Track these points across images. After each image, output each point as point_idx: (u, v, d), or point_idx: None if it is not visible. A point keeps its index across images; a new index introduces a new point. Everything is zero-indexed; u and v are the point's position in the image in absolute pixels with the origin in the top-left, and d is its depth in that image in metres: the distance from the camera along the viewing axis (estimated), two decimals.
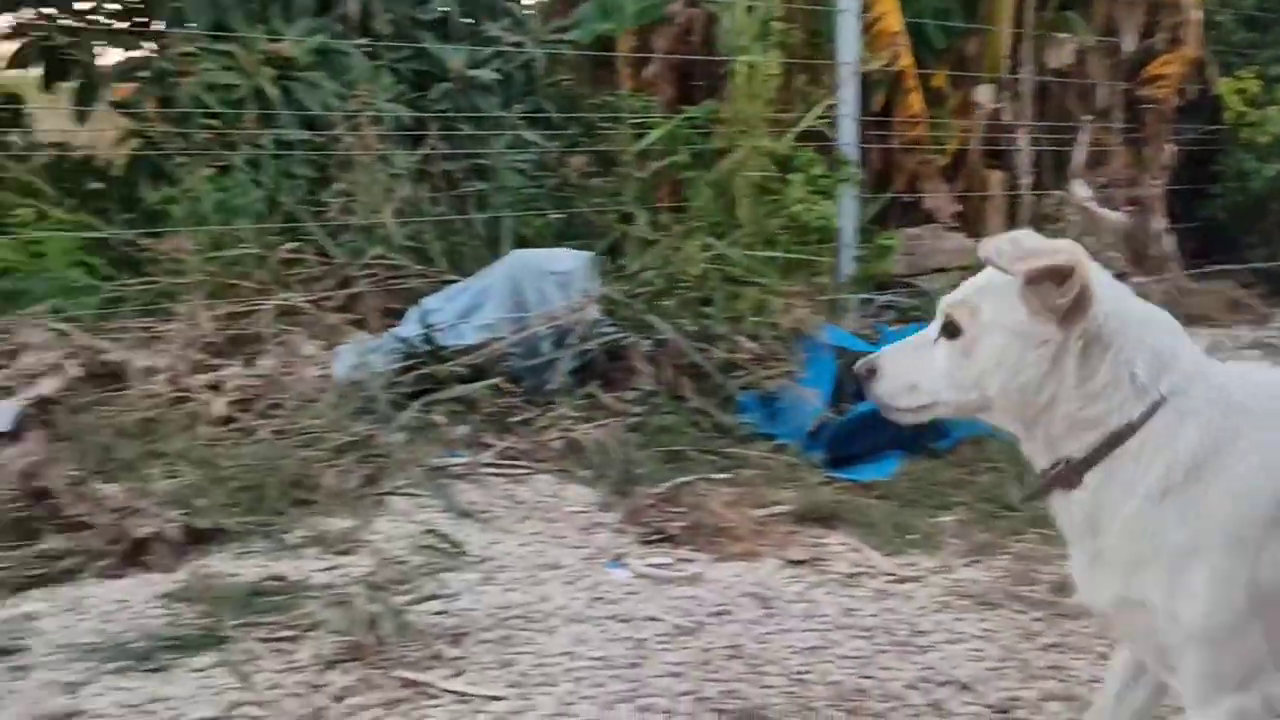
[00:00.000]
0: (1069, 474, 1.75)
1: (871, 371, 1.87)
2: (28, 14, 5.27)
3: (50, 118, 5.67)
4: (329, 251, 4.88)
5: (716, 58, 6.15)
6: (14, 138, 5.43)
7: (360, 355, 4.25)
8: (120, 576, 3.08)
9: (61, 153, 5.55)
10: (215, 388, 4.09)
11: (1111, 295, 1.74)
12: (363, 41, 5.71)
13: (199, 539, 3.26)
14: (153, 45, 5.20)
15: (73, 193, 5.15)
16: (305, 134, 5.31)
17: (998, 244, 1.74)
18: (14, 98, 5.55)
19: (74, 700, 2.48)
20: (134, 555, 3.13)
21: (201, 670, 2.62)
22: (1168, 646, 1.72)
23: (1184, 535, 1.66)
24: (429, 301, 4.35)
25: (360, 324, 4.71)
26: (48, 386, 4.07)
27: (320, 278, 4.81)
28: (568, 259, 4.44)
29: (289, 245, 4.82)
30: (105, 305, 4.52)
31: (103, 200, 5.12)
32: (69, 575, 3.09)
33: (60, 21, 5.18)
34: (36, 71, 5.41)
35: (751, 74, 5.43)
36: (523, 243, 5.22)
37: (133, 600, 2.95)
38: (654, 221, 5.15)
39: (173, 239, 4.74)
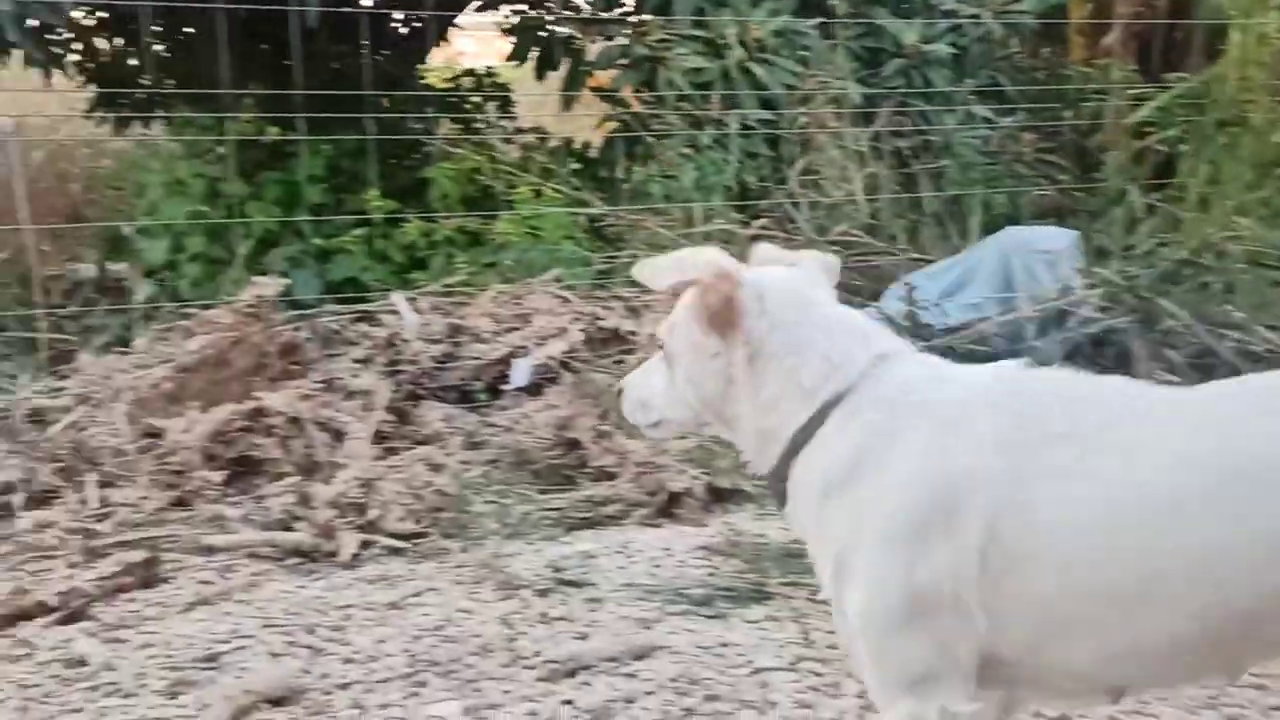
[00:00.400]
0: (772, 489, 1.73)
1: (619, 391, 1.89)
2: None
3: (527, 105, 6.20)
4: (796, 228, 4.98)
5: (1193, 22, 5.66)
6: (503, 124, 6.01)
7: None
8: (657, 526, 3.32)
9: (541, 136, 6.07)
10: None
11: (777, 304, 1.67)
12: (821, 20, 5.78)
13: (719, 497, 3.45)
14: (629, 33, 5.54)
15: (554, 174, 5.60)
16: (766, 114, 5.46)
17: (655, 260, 1.74)
18: (503, 87, 6.15)
19: (650, 635, 2.69)
20: (667, 507, 3.36)
21: (754, 622, 2.76)
22: (850, 645, 1.67)
23: (845, 531, 1.61)
24: (914, 277, 4.33)
25: None
26: (556, 347, 4.46)
27: None
28: (1057, 237, 4.27)
29: (758, 222, 4.97)
30: (597, 275, 4.88)
31: (581, 180, 5.53)
32: (612, 520, 3.37)
33: (551, 15, 5.62)
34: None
35: (1252, 39, 4.93)
36: (987, 222, 5.08)
37: (674, 549, 3.16)
38: (1146, 201, 4.82)
39: (645, 215, 5.05)
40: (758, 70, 5.51)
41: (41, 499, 3.43)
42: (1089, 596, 1.55)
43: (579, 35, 5.45)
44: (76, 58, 6.69)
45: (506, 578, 3.00)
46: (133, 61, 6.95)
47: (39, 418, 3.99)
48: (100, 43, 6.86)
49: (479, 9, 6.27)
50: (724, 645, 2.64)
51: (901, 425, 1.61)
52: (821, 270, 1.80)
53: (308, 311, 4.65)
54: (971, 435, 1.57)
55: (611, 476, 3.58)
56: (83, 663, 2.59)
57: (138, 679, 2.54)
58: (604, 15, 5.44)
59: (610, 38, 5.64)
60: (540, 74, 5.77)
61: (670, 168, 5.12)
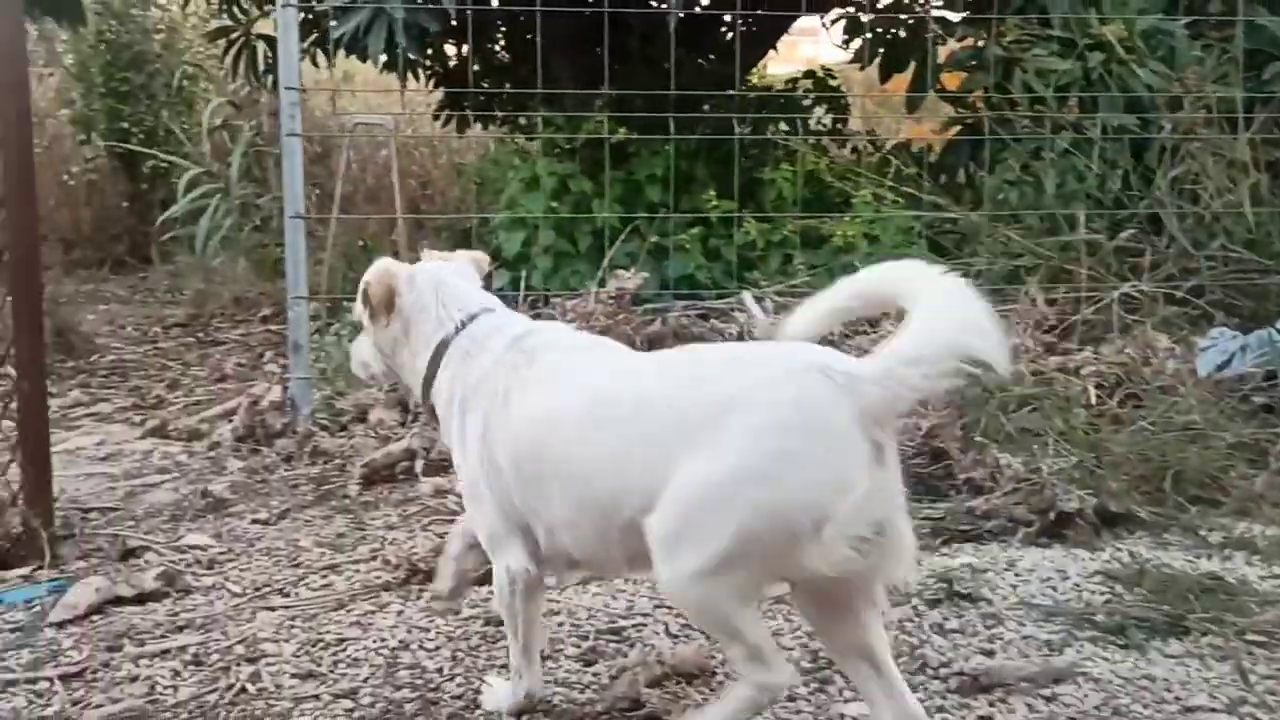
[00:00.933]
0: (428, 413, 2.47)
1: (348, 355, 2.70)
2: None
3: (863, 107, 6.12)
4: (1167, 240, 4.66)
5: None
6: (839, 126, 5.96)
7: (1224, 353, 3.98)
8: (1046, 546, 3.16)
9: (876, 138, 5.99)
10: (1071, 371, 4.08)
11: (420, 287, 2.37)
12: (1190, 19, 5.39)
13: (1110, 521, 3.25)
14: (983, 34, 5.36)
15: (894, 177, 5.50)
16: (1129, 118, 5.14)
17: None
18: (837, 90, 6.11)
19: (1064, 659, 2.56)
20: (1054, 527, 3.20)
21: (1175, 656, 2.57)
22: None
23: (450, 414, 2.30)
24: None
25: (1203, 318, 4.44)
26: None
27: (1155, 266, 4.61)
28: None
29: (1124, 234, 4.68)
30: None
31: (919, 185, 5.41)
32: (993, 535, 3.25)
33: (904, 16, 5.52)
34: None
35: None
36: None
37: (1068, 571, 3.00)
38: None
39: (1001, 222, 4.87)
40: (1126, 73, 5.19)
41: (439, 466, 3.69)
42: (523, 479, 2.15)
43: (940, 34, 5.32)
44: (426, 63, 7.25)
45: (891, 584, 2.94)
46: (476, 67, 7.47)
47: None
48: (448, 49, 7.40)
49: (815, 11, 6.27)
50: (1147, 678, 2.47)
51: (468, 357, 2.29)
52: (470, 263, 2.50)
53: (655, 306, 4.79)
54: (488, 361, 2.25)
55: (982, 490, 3.46)
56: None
57: (554, 644, 2.66)
58: (957, 15, 5.28)
59: (961, 39, 5.48)
60: (885, 76, 5.69)
61: (1025, 174, 4.91)
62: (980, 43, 5.37)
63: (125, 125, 8.35)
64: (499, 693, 2.39)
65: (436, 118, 7.62)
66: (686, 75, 6.25)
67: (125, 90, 8.31)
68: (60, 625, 2.82)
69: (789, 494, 1.81)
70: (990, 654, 2.61)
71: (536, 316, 4.70)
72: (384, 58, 5.63)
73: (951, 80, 5.66)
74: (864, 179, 5.26)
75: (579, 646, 2.66)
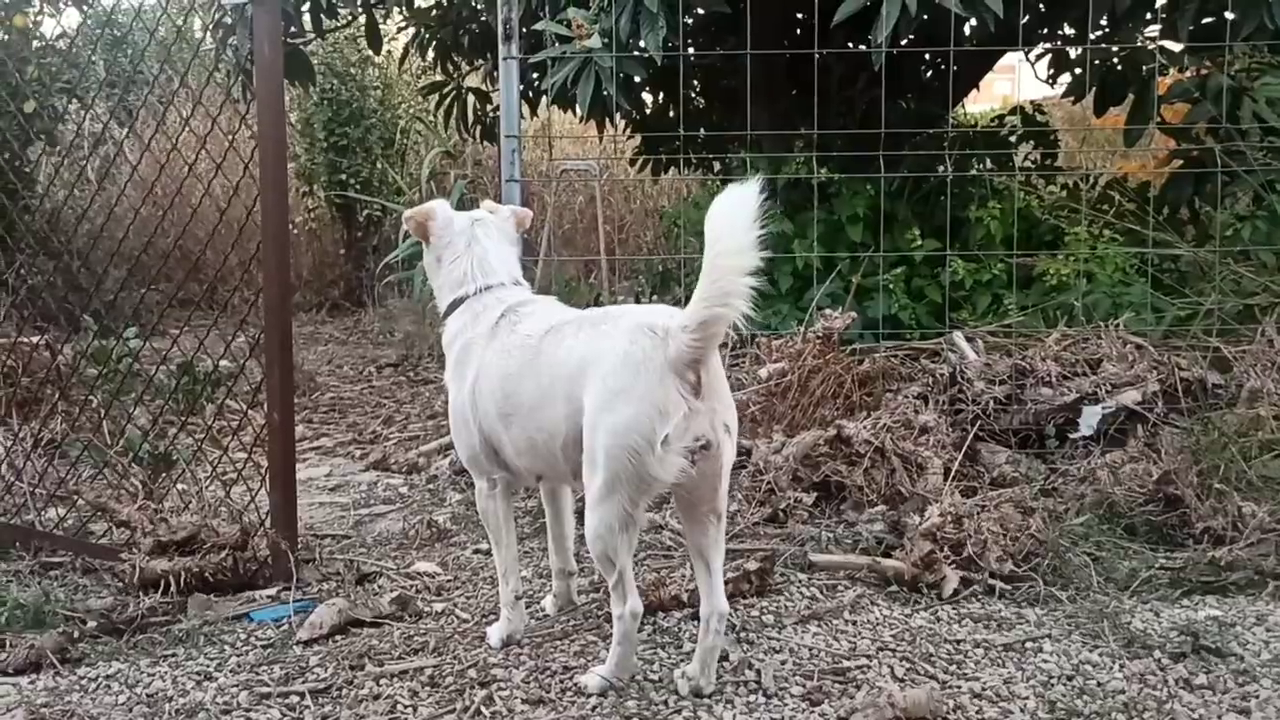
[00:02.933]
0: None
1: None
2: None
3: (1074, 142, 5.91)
4: None
5: None
6: (1048, 162, 5.77)
7: None
8: None
9: (1085, 173, 5.77)
10: None
11: (453, 233, 2.96)
12: None
13: None
14: (1207, 63, 5.10)
15: (1109, 214, 5.28)
16: None
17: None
18: (1044, 125, 5.92)
19: None
20: None
21: None
22: None
23: (452, 355, 2.94)
24: None
25: None
26: (1129, 396, 4.16)
27: None
28: None
29: None
30: (1172, 321, 4.51)
31: (1139, 221, 5.17)
32: (1238, 588, 3.05)
33: (1120, 47, 5.33)
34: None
35: None
36: None
37: None
38: None
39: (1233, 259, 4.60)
40: None
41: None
42: (497, 416, 2.75)
43: (1163, 64, 5.10)
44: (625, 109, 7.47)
45: (1130, 635, 2.80)
46: (671, 114, 7.63)
47: None
48: (644, 95, 7.60)
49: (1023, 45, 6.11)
50: None
51: (473, 322, 2.86)
52: (510, 217, 3.07)
53: (861, 346, 4.74)
54: (484, 326, 2.83)
55: (1223, 540, 3.25)
56: (725, 658, 2.75)
57: (778, 682, 2.65)
58: (1179, 45, 5.05)
59: (1184, 68, 5.23)
60: (1101, 110, 5.49)
61: (1257, 208, 4.62)
62: (1204, 72, 5.12)
63: (344, 177, 8.91)
64: (492, 631, 2.95)
65: (633, 162, 7.82)
66: (887, 115, 6.22)
67: (344, 144, 8.88)
68: (307, 643, 3.00)
69: (625, 419, 2.41)
70: (1245, 712, 2.44)
71: (739, 355, 4.77)
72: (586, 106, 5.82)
73: (1173, 112, 5.40)
74: (1078, 215, 5.05)
75: (804, 686, 2.64)
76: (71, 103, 7.82)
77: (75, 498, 3.89)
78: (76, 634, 3.01)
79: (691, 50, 5.40)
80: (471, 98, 7.49)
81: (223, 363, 6.65)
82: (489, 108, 7.56)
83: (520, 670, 2.79)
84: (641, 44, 5.10)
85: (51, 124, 7.59)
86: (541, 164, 8.61)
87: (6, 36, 7.32)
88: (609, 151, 8.09)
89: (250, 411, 5.88)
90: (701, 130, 7.20)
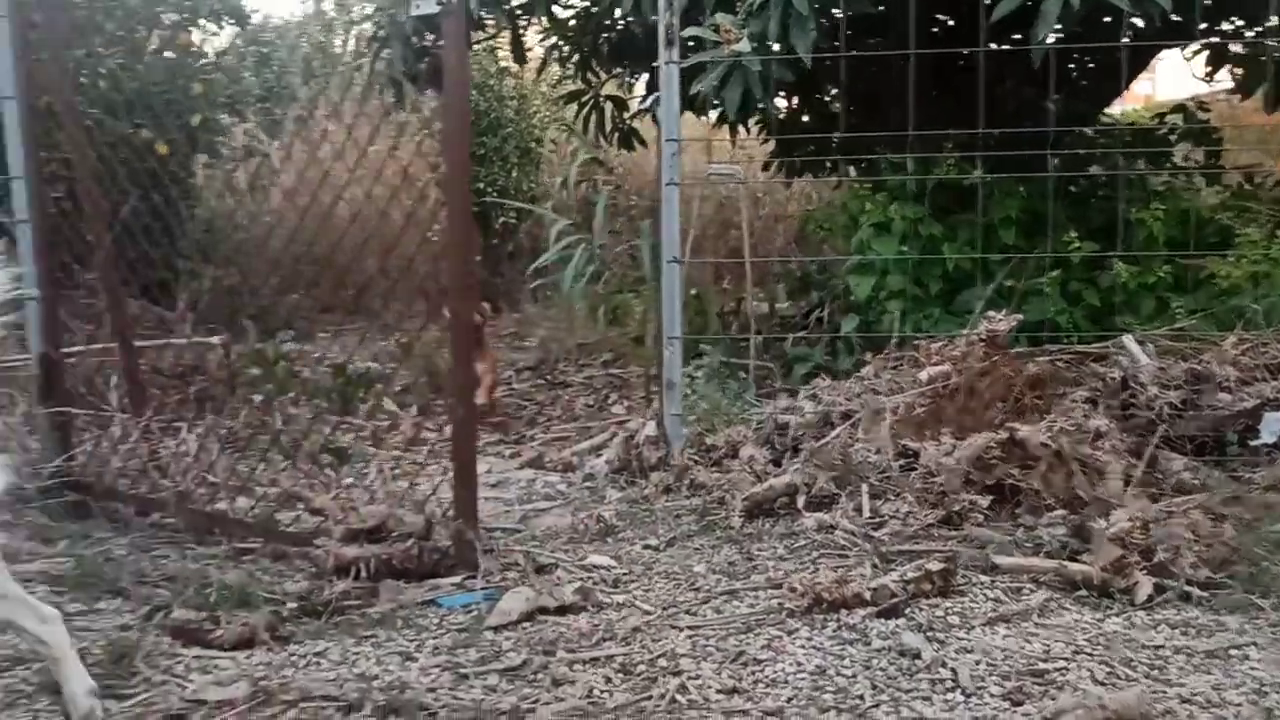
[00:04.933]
0: None
1: None
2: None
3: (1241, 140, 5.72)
4: None
5: None
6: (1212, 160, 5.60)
7: None
8: None
9: (1252, 172, 5.57)
10: None
11: None
12: None
13: None
14: None
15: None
16: None
17: None
18: (1206, 124, 5.74)
19: None
20: None
21: None
22: None
23: None
24: None
25: None
26: None
27: None
28: None
29: None
30: None
31: None
32: None
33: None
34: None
35: None
36: None
37: None
38: None
39: None
40: None
41: (820, 503, 3.76)
42: None
43: None
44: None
45: None
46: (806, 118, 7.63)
47: (782, 431, 4.43)
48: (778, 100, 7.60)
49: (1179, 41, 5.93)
50: None
51: None
52: None
53: (1021, 350, 4.66)
54: None
55: None
56: (916, 656, 2.75)
57: (975, 680, 2.63)
58: None
59: None
60: (1275, 106, 5.29)
61: None
62: None
63: (480, 185, 9.13)
64: None
65: (765, 167, 7.83)
66: (1037, 115, 6.09)
67: (482, 153, 9.11)
68: (497, 629, 3.09)
69: None
70: None
71: (899, 359, 4.75)
72: (715, 113, 5.86)
73: None
74: (1250, 216, 4.89)
75: (1002, 686, 2.61)
76: (230, 116, 8.19)
77: (269, 488, 4.08)
78: (285, 613, 3.16)
79: (832, 53, 5.37)
80: (609, 105, 7.60)
81: (373, 364, 6.91)
82: (625, 115, 7.67)
83: (709, 661, 2.83)
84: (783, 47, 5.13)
85: (212, 137, 7.98)
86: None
87: (174, 55, 7.71)
88: (736, 157, 8.13)
89: (402, 411, 6.13)
90: (835, 134, 7.18)
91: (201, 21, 7.79)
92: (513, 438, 5.91)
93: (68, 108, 4.50)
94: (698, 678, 2.74)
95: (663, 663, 2.83)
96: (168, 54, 7.67)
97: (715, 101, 5.63)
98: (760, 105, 5.48)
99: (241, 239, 7.68)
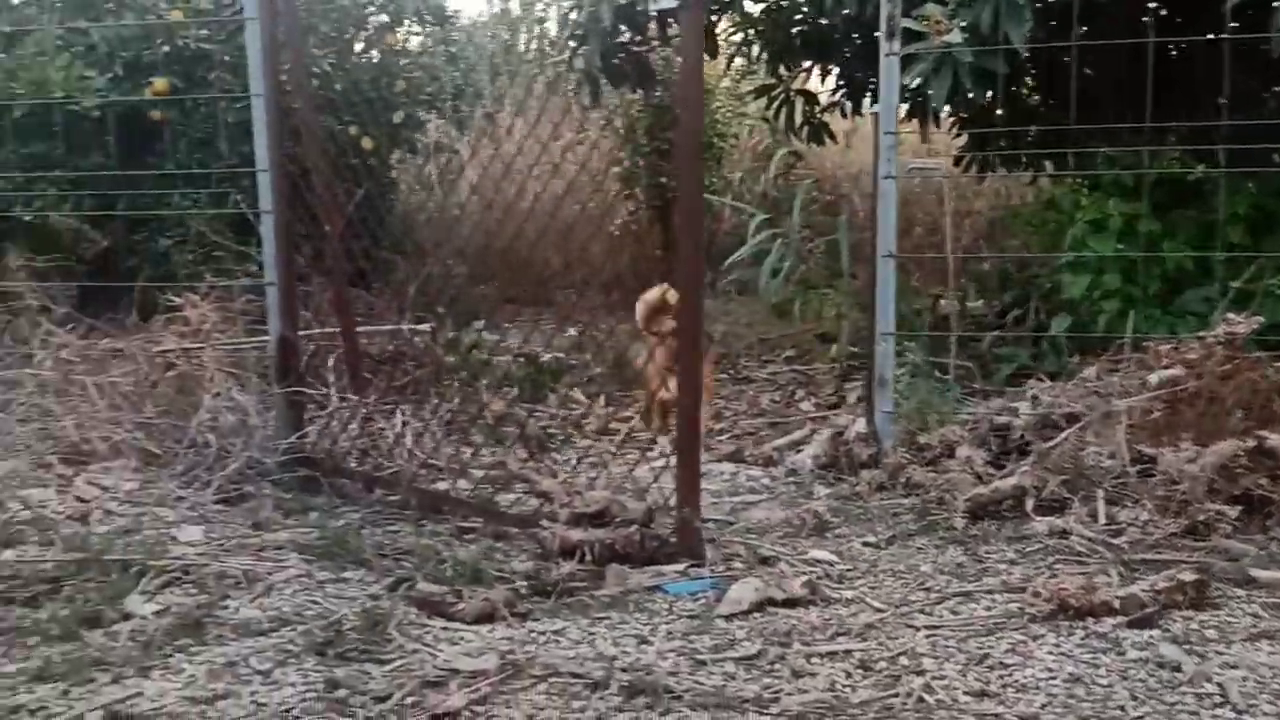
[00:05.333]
0: None
1: None
2: None
3: None
4: None
5: None
6: None
7: None
8: None
9: None
10: None
11: None
12: None
13: None
14: None
15: None
16: None
17: None
18: None
19: None
20: None
21: None
22: None
23: None
24: None
25: None
26: None
27: None
28: None
29: None
30: None
31: None
32: None
33: None
34: None
35: None
36: None
37: None
38: None
39: None
40: None
41: (1051, 506, 3.65)
42: None
43: None
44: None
45: None
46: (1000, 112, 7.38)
47: (999, 432, 4.32)
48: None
49: None
50: None
51: None
52: None
53: (1262, 354, 4.41)
54: None
55: None
56: (1177, 669, 2.64)
57: (1245, 698, 2.51)
58: None
59: None
60: None
61: None
62: None
63: (663, 180, 9.21)
64: None
65: (956, 162, 7.63)
66: (1264, 107, 5.76)
67: (665, 148, 9.18)
68: (728, 618, 3.12)
69: None
70: None
71: (1117, 360, 4.56)
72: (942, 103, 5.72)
73: None
74: None
75: (1275, 705, 2.48)
76: (428, 113, 8.49)
77: (492, 470, 4.23)
78: (523, 590, 3.26)
79: (1058, 43, 5.19)
80: (800, 100, 7.55)
81: (559, 354, 7.06)
82: (817, 109, 7.60)
83: (952, 663, 2.78)
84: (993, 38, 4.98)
85: (411, 133, 8.30)
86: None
87: (379, 55, 8.05)
88: (920, 152, 7.96)
89: (591, 401, 6.25)
90: (1032, 127, 6.93)
91: (406, 22, 8.11)
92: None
93: (306, 105, 4.76)
94: (942, 678, 2.70)
95: (904, 661, 2.80)
96: (373, 54, 8.02)
97: (923, 95, 5.55)
98: (970, 97, 5.35)
99: (443, 231, 7.96)
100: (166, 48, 7.07)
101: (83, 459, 4.55)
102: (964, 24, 5.30)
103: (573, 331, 7.41)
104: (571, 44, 7.05)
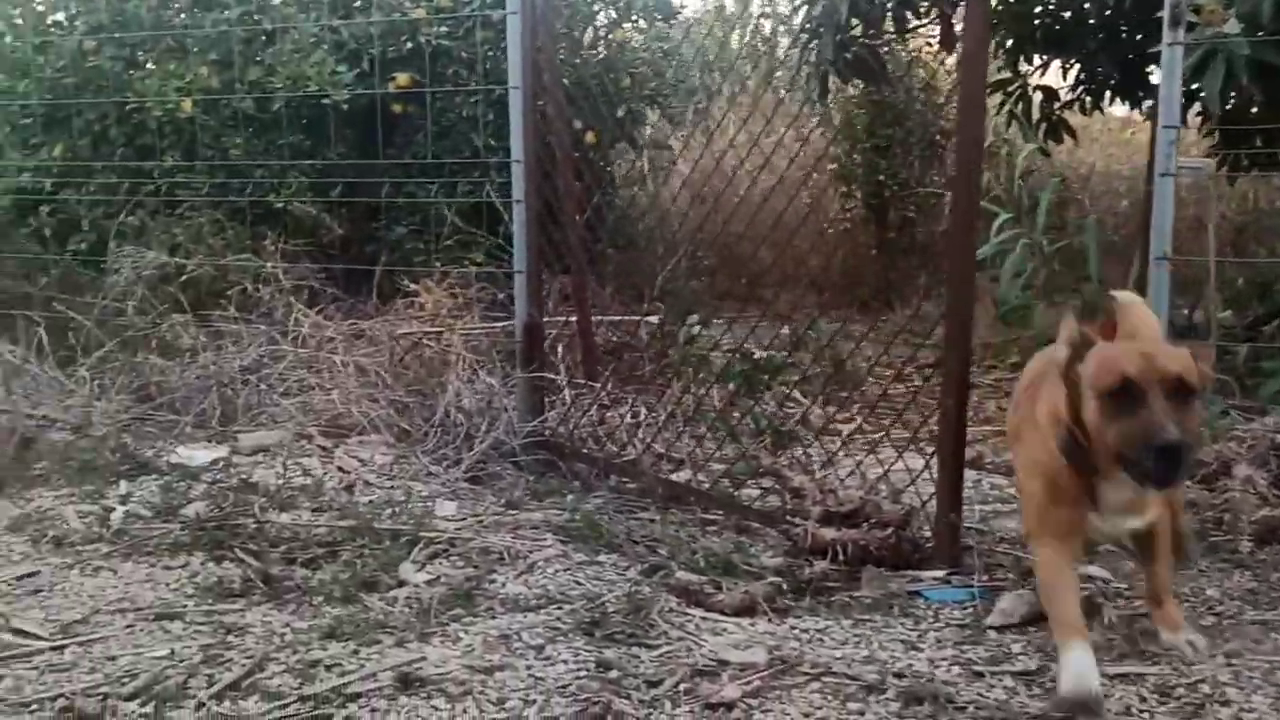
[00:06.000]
0: None
1: None
2: None
3: None
4: None
5: None
6: None
7: None
8: None
9: None
10: None
11: None
12: None
13: None
14: None
15: None
16: None
17: None
18: None
19: None
20: None
21: None
22: None
23: None
24: None
25: None
26: None
27: None
28: None
29: None
30: None
31: None
32: None
33: None
34: None
35: None
36: None
37: None
38: None
39: None
40: None
41: None
42: None
43: None
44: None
45: None
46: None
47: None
48: None
49: None
50: None
51: None
52: None
53: None
54: None
55: None
56: None
57: None
58: None
59: None
60: None
61: None
62: None
63: (880, 177, 9.02)
64: None
65: (1222, 164, 7.13)
66: None
67: (885, 145, 8.99)
68: (1000, 629, 2.99)
69: None
70: None
71: None
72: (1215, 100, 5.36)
73: None
74: None
75: None
76: (652, 108, 8.58)
77: (739, 463, 4.21)
78: (785, 585, 3.23)
79: None
80: (1038, 95, 7.24)
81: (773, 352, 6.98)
82: (1055, 105, 7.28)
83: (1260, 695, 2.58)
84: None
85: (633, 128, 8.41)
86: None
87: (605, 51, 8.18)
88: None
89: (807, 400, 6.15)
90: None
91: (634, 17, 8.21)
92: (922, 437, 5.76)
93: (557, 99, 4.87)
94: (1251, 710, 2.51)
95: (1204, 689, 2.61)
96: (600, 49, 8.15)
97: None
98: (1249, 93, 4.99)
99: (668, 225, 8.06)
100: (410, 44, 7.39)
101: (341, 432, 4.79)
102: (1241, 13, 4.97)
103: (785, 330, 7.36)
104: (804, 38, 6.97)
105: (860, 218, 9.49)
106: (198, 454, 4.37)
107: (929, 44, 8.41)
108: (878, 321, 9.14)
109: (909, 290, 9.05)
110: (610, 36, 8.08)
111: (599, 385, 4.92)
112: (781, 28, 10.83)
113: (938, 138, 9.06)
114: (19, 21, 7.54)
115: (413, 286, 5.80)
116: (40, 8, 7.68)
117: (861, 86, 8.08)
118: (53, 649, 2.85)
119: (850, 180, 9.33)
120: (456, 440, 4.58)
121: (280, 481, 4.11)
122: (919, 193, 8.99)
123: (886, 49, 7.38)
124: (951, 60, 8.40)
